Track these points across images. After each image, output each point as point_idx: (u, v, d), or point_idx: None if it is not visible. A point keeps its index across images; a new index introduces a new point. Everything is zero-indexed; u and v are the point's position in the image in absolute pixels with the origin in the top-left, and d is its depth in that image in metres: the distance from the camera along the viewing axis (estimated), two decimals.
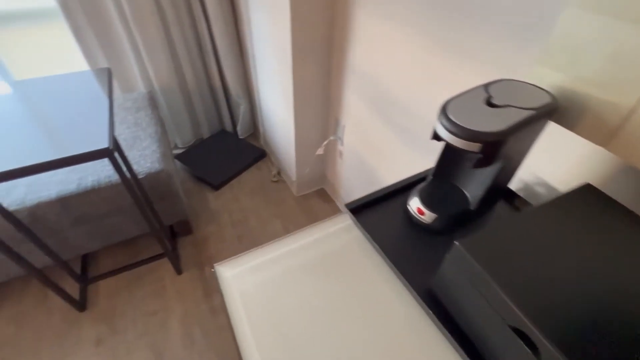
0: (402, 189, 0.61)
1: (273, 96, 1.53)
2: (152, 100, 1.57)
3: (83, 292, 1.27)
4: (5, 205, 1.04)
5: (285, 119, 1.44)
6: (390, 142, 1.07)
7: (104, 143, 0.87)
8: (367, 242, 0.55)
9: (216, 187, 1.72)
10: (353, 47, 1.09)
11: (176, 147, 1.94)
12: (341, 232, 0.56)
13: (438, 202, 0.55)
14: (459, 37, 0.69)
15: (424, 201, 0.55)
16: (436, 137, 0.46)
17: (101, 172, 1.15)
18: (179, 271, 1.35)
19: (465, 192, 0.56)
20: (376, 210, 0.58)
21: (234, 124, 1.86)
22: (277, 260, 0.52)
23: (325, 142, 1.45)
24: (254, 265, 0.51)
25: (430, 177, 0.58)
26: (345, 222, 0.58)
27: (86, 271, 1.35)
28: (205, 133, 1.99)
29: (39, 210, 1.07)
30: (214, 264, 0.51)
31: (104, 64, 1.55)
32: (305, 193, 1.72)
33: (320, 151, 1.46)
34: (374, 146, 1.17)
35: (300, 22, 1.08)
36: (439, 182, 0.58)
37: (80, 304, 1.23)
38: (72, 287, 1.28)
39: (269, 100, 1.63)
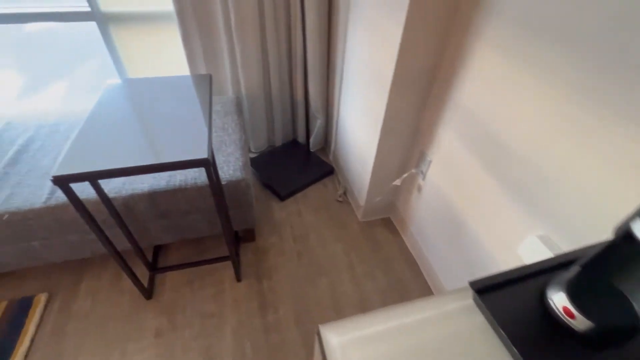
0: (538, 273, 0.51)
1: (355, 117, 1.49)
2: (238, 106, 1.63)
3: (151, 281, 1.34)
4: (105, 191, 1.13)
5: (366, 143, 1.39)
6: (489, 191, 0.95)
7: (203, 153, 0.89)
8: (493, 332, 0.46)
9: (282, 197, 1.72)
10: (462, 82, 1.00)
11: (249, 151, 2.00)
12: (461, 313, 0.48)
13: (592, 305, 0.44)
14: (631, 99, 0.57)
15: (574, 300, 0.45)
16: (627, 236, 0.37)
17: (188, 173, 1.20)
18: (238, 278, 1.36)
19: (632, 301, 0.45)
20: (504, 293, 0.50)
21: (308, 137, 1.86)
22: (388, 334, 0.46)
23: (405, 175, 1.37)
24: (363, 336, 0.46)
25: (578, 268, 0.48)
26: (465, 301, 0.50)
27: (156, 261, 1.42)
28: (278, 141, 2.02)
29: (131, 201, 1.14)
30: (319, 325, 0.47)
31: (202, 67, 1.64)
32: (370, 220, 1.65)
33: (397, 182, 1.38)
34: (466, 190, 1.06)
35: (408, 52, 1.03)
36: (592, 277, 0.48)
37: (148, 292, 1.29)
38: (142, 275, 1.35)
39: (348, 119, 1.59)
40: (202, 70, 1.66)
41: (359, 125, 1.46)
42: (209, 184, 1.19)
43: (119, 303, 1.27)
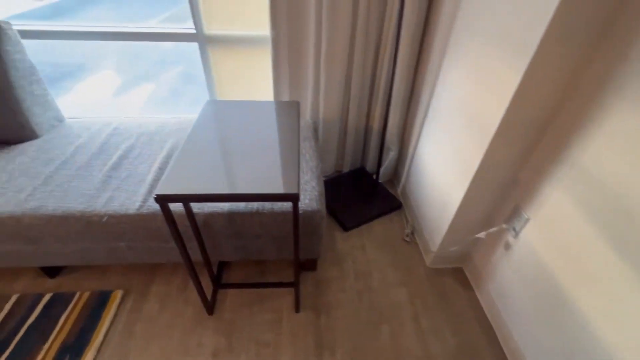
0: None
1: (437, 157, 1.40)
2: (315, 132, 1.63)
3: (214, 296, 1.36)
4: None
5: (450, 187, 1.29)
6: (615, 275, 0.80)
7: (293, 188, 0.88)
8: None
9: (347, 228, 1.67)
10: (586, 141, 0.87)
11: None
12: None
13: None
14: None
15: None
16: None
17: None
18: (297, 308, 1.32)
19: None
20: None
21: (379, 167, 1.80)
22: None
23: (494, 229, 1.23)
24: None
25: None
26: None
27: (220, 276, 1.45)
28: (346, 167, 1.99)
29: (211, 218, 1.18)
30: None
31: (286, 91, 1.68)
32: (439, 267, 1.52)
33: (482, 235, 1.25)
34: (577, 265, 0.91)
35: (522, 102, 0.92)
36: None
37: (210, 307, 1.31)
38: (206, 289, 1.38)
39: (428, 157, 1.50)
40: (286, 94, 1.70)
41: (442, 166, 1.36)
42: (284, 212, 1.19)
43: (183, 313, 1.31)
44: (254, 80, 1.83)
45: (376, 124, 1.78)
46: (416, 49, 1.52)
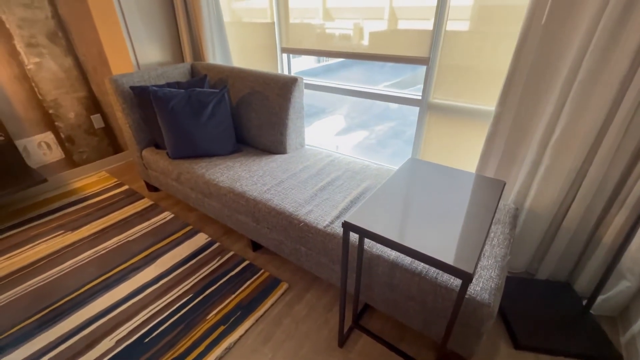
0: None
1: None
2: (514, 218, 1.43)
3: (350, 332, 1.41)
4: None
5: None
6: None
7: (469, 266, 0.82)
8: None
9: (518, 346, 1.32)
10: None
11: None
12: None
13: None
14: None
15: None
16: None
17: None
18: None
19: None
20: None
21: (596, 292, 1.34)
22: None
23: None
24: None
25: None
26: None
27: (362, 315, 1.48)
28: (542, 273, 1.59)
29: (375, 260, 1.25)
30: None
31: (492, 166, 1.58)
32: None
33: None
34: None
35: None
36: None
37: (342, 340, 1.36)
38: (346, 322, 1.45)
39: None
40: (491, 170, 1.59)
41: None
42: (447, 287, 1.10)
43: (319, 332, 1.42)
44: (460, 149, 1.83)
45: (610, 237, 1.34)
46: None
